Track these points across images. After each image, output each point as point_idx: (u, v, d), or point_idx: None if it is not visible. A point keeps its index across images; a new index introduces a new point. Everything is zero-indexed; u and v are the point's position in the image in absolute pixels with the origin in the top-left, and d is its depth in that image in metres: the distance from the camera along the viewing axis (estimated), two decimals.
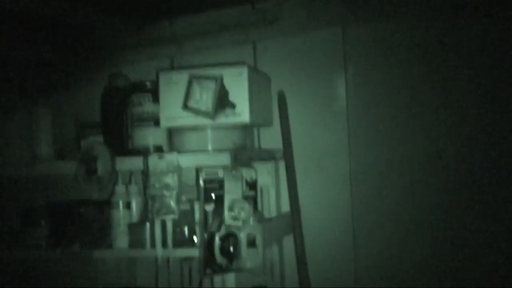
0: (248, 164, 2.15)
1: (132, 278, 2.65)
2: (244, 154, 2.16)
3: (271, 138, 2.55)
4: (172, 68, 2.72)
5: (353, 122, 2.54)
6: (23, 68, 2.49)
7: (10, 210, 2.57)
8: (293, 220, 2.43)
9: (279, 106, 2.49)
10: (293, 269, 2.41)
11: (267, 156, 2.45)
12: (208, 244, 1.99)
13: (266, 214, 2.47)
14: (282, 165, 2.48)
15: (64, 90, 2.69)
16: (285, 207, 2.50)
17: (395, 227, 2.47)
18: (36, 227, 2.44)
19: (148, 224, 2.17)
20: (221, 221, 1.99)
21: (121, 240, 2.24)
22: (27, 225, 2.47)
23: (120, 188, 2.28)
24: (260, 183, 2.45)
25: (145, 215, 2.20)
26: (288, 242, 2.46)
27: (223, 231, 1.98)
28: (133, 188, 2.29)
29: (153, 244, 2.15)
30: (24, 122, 2.48)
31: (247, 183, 2.07)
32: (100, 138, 2.37)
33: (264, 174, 2.44)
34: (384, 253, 2.48)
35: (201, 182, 2.03)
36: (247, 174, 2.07)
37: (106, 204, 2.30)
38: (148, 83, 2.31)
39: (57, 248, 2.27)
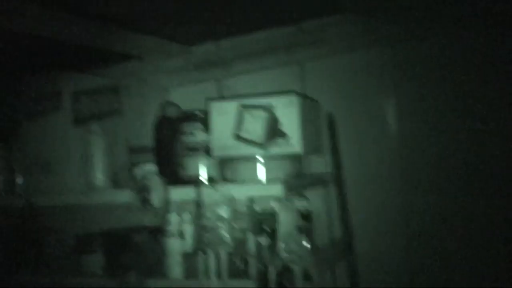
0: (300, 193, 2.14)
1: None
2: (296, 184, 2.15)
3: (321, 161, 2.54)
4: (219, 93, 2.73)
5: (405, 142, 2.51)
6: (75, 96, 2.53)
7: (66, 237, 2.63)
8: (345, 246, 2.41)
9: (329, 129, 2.48)
10: None
11: (318, 181, 2.44)
12: (263, 277, 1.98)
13: (319, 241, 2.46)
14: (333, 189, 2.46)
15: (115, 117, 2.72)
16: (338, 231, 2.49)
17: (450, 252, 2.42)
18: (91, 255, 2.49)
19: (201, 255, 2.18)
20: (276, 254, 1.98)
21: (176, 269, 2.26)
22: (83, 253, 2.52)
23: (173, 217, 2.29)
24: (315, 210, 2.44)
25: (198, 244, 2.21)
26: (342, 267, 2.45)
27: (278, 264, 1.97)
28: (186, 217, 2.30)
29: (207, 275, 2.16)
30: (79, 150, 2.51)
31: (301, 214, 2.06)
32: (153, 166, 2.39)
33: (315, 200, 2.43)
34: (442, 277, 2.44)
35: (254, 214, 2.03)
36: (300, 204, 2.06)
37: (160, 233, 2.33)
38: (198, 113, 2.31)
39: (113, 277, 2.30)
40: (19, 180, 2.65)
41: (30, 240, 2.62)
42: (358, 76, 2.60)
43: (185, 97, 2.75)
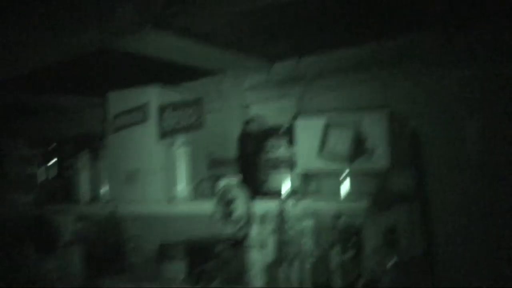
0: (386, 208, 2.14)
1: None
2: (381, 199, 2.16)
3: (405, 177, 2.52)
4: (299, 108, 2.76)
5: (489, 164, 2.46)
6: (161, 109, 2.61)
7: (149, 246, 2.72)
8: (429, 262, 2.40)
9: (413, 145, 2.47)
10: None
11: (402, 197, 2.43)
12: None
13: (403, 256, 2.45)
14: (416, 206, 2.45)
15: (198, 130, 2.79)
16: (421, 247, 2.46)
17: None
18: (174, 263, 2.55)
19: (284, 267, 2.21)
20: (361, 270, 2.00)
21: (258, 280, 2.29)
22: (165, 260, 2.59)
23: (256, 229, 2.33)
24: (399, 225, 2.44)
25: (281, 257, 2.24)
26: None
27: (363, 280, 1.98)
28: (269, 229, 2.34)
29: (288, 286, 2.18)
30: (163, 161, 2.59)
31: (386, 229, 2.06)
32: (236, 178, 2.44)
33: (399, 216, 2.42)
34: None
35: (339, 228, 2.05)
36: (385, 219, 2.07)
37: (242, 244, 2.37)
38: (283, 128, 2.36)
39: (197, 285, 2.35)
40: (104, 189, 2.75)
41: (113, 247, 2.72)
42: (442, 94, 2.56)
43: (265, 113, 2.78)
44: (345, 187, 2.18)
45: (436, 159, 2.52)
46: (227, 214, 2.31)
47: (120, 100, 2.69)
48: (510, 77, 2.42)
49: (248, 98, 2.99)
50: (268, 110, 2.83)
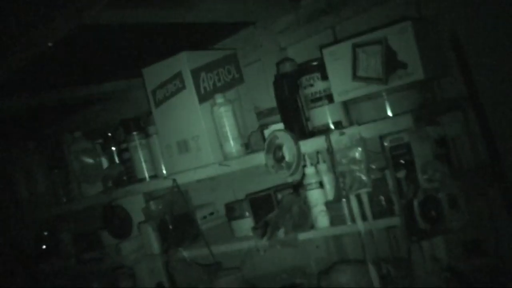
0: (432, 121, 2.05)
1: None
2: (425, 112, 2.07)
3: (455, 85, 2.40)
4: (335, 40, 2.67)
5: None
6: (195, 73, 2.60)
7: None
8: (495, 170, 2.28)
9: (455, 50, 2.34)
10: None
11: (453, 106, 2.32)
12: (407, 211, 1.94)
13: (464, 166, 2.35)
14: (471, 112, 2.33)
15: (238, 85, 2.77)
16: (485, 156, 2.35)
17: None
18: (241, 220, 2.58)
19: (344, 201, 2.18)
20: (417, 186, 1.93)
21: (322, 219, 2.28)
22: (233, 219, 2.62)
23: (310, 170, 2.31)
24: (451, 135, 2.34)
25: (339, 191, 2.20)
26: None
27: (420, 196, 1.92)
28: (323, 167, 2.31)
29: (353, 219, 2.15)
30: (210, 124, 2.59)
31: (436, 141, 1.98)
32: (280, 124, 2.41)
33: (454, 126, 2.32)
34: None
35: (387, 150, 1.98)
36: (433, 131, 1.98)
37: (301, 187, 2.36)
38: (314, 62, 2.29)
39: (264, 237, 2.35)
40: (161, 164, 2.79)
41: (183, 218, 2.77)
42: None
43: (303, 52, 2.72)
44: (387, 106, 2.10)
45: (485, 65, 2.37)
46: (278, 161, 2.29)
47: (155, 74, 2.69)
48: None
49: (282, 42, 2.92)
50: (305, 49, 2.76)
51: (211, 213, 3.00)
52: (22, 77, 2.62)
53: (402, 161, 1.96)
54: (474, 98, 2.30)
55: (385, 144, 1.99)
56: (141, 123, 2.87)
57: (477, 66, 2.33)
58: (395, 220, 2.03)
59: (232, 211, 2.62)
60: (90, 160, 3.10)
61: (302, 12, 2.82)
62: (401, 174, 1.96)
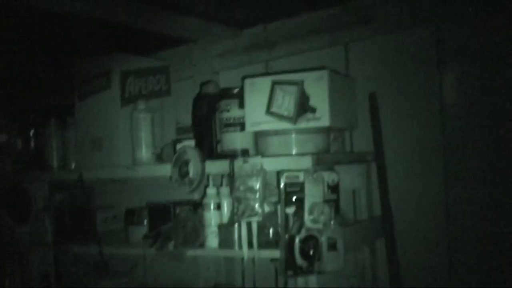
0: (330, 167, 2.16)
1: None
2: (326, 158, 2.18)
3: (364, 141, 2.54)
4: (266, 73, 2.78)
5: (448, 124, 2.46)
6: (124, 76, 2.65)
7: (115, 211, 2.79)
8: (384, 223, 2.41)
9: (371, 108, 2.48)
10: (386, 272, 2.40)
11: (358, 159, 2.45)
12: (289, 246, 2.02)
13: (358, 217, 2.48)
14: (374, 167, 2.47)
15: (164, 97, 2.83)
16: (378, 210, 2.49)
17: (492, 230, 2.36)
18: (138, 226, 2.62)
19: (236, 226, 2.25)
20: (301, 224, 2.02)
21: (212, 240, 2.34)
22: (130, 224, 2.65)
23: (211, 190, 2.37)
24: (351, 186, 2.46)
25: (233, 216, 2.27)
26: (382, 245, 2.45)
27: (303, 233, 2.01)
28: (224, 190, 2.37)
29: (240, 245, 2.23)
30: (127, 127, 2.63)
31: (329, 187, 2.08)
32: (192, 141, 2.46)
33: (355, 177, 2.45)
34: (481, 256, 2.38)
35: (282, 185, 2.07)
36: (328, 177, 2.08)
37: (198, 205, 2.42)
38: (235, 90, 2.38)
39: (154, 246, 2.40)
40: (72, 156, 2.81)
41: (82, 212, 2.78)
42: (403, 56, 2.56)
43: (234, 79, 2.80)
44: (291, 145, 2.20)
45: (394, 123, 2.52)
46: (182, 176, 2.35)
47: (86, 68, 2.74)
48: (466, 38, 2.41)
49: (217, 65, 3.01)
50: (237, 76, 2.84)
51: (115, 216, 3.01)
52: None
53: (294, 198, 2.05)
54: (380, 154, 2.44)
55: (282, 179, 2.07)
56: (62, 112, 2.89)
57: (386, 125, 2.49)
58: (278, 253, 2.11)
59: (130, 217, 2.66)
60: (2, 137, 3.08)
61: (241, 41, 2.92)
62: (290, 210, 2.05)
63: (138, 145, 2.57)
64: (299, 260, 2.01)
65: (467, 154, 2.41)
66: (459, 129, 2.43)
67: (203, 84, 2.55)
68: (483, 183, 2.37)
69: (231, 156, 2.30)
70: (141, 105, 2.59)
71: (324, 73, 2.13)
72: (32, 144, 3.07)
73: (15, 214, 3.00)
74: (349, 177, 2.39)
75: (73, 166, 2.79)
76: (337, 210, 2.07)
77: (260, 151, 2.29)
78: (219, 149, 2.44)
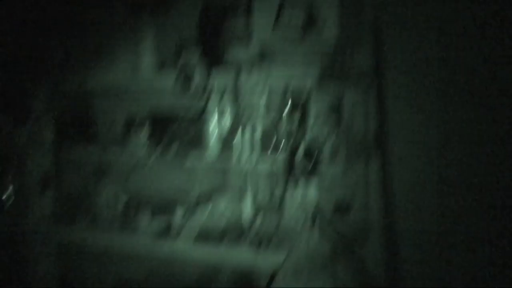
0: (333, 86, 2.20)
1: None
2: (329, 76, 2.22)
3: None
4: None
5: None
6: None
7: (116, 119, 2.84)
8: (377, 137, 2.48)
9: (374, 30, 2.49)
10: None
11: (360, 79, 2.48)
12: (290, 154, 2.10)
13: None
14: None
15: (168, 8, 2.82)
16: None
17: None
18: (138, 132, 2.67)
19: (239, 130, 2.32)
20: (305, 130, 2.09)
21: (214, 147, 2.41)
22: (130, 132, 2.70)
23: (215, 96, 2.42)
24: (351, 103, 2.50)
25: (235, 124, 2.33)
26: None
27: (307, 138, 2.08)
28: (228, 96, 2.41)
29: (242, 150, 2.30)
30: (130, 37, 2.65)
31: (331, 106, 2.14)
32: (198, 49, 2.49)
33: (354, 95, 2.48)
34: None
35: (288, 96, 2.13)
36: (331, 96, 2.14)
37: (203, 112, 2.46)
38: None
39: (157, 148, 2.46)
40: (75, 65, 2.82)
41: (83, 118, 2.82)
42: None
43: None
44: (296, 60, 2.25)
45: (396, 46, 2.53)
46: (186, 82, 2.38)
47: None
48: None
49: None
50: None
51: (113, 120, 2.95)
52: None
53: (296, 114, 2.12)
54: (378, 75, 2.48)
55: (288, 91, 2.13)
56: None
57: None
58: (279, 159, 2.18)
59: (132, 124, 2.70)
60: None
61: None
62: (296, 119, 2.12)
63: (140, 53, 2.58)
64: (303, 160, 2.09)
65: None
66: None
67: None
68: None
69: (235, 67, 2.35)
70: (146, 16, 2.60)
71: None
72: None
73: (14, 118, 3.00)
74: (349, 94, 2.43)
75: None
76: (339, 120, 2.14)
77: (265, 65, 2.33)
78: (224, 58, 2.47)
